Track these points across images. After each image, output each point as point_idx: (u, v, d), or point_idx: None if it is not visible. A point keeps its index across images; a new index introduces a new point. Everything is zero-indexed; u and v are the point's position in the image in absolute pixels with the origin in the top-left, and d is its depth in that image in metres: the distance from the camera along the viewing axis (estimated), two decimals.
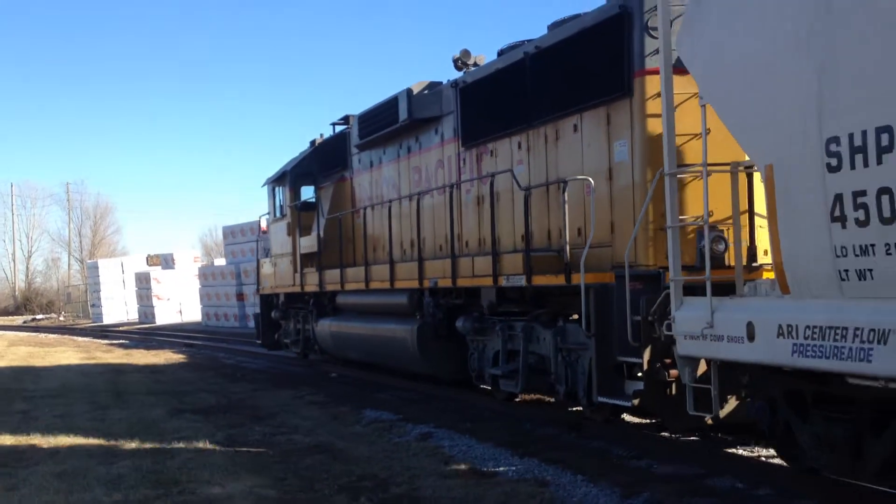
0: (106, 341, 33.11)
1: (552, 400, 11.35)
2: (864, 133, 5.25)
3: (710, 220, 7.37)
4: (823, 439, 6.44)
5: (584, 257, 9.20)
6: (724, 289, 7.30)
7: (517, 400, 11.85)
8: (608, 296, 8.97)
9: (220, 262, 41.85)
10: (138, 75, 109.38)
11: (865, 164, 5.27)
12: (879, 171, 5.18)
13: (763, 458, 8.22)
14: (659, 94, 8.15)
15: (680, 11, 7.90)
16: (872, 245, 5.31)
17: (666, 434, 9.43)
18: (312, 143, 18.61)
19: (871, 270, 5.37)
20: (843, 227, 5.49)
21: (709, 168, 7.22)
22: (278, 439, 10.15)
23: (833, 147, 5.49)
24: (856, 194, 5.36)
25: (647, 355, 8.35)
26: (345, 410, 12.07)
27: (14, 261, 77.56)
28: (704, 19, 6.78)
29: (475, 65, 12.91)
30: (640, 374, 8.55)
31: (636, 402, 8.71)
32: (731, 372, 7.32)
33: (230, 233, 38.05)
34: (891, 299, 5.28)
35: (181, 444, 9.84)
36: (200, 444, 9.84)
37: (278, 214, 19.19)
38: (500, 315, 11.42)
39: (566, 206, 9.77)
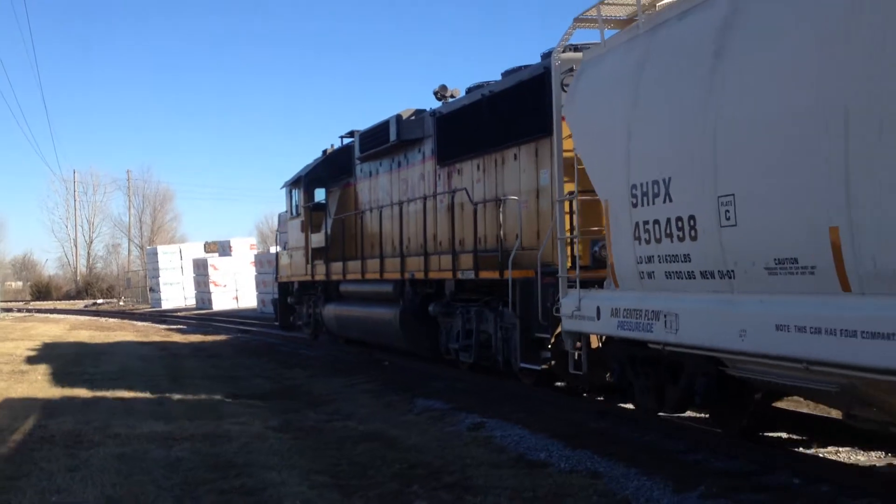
0: (164, 326, 33.48)
1: (605, 394, 11.84)
2: (646, 184, 8.11)
3: None
4: (644, 388, 9.30)
5: (511, 258, 12.07)
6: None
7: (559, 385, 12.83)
8: (530, 287, 11.80)
9: (276, 249, 42.10)
10: (195, 66, 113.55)
11: (647, 204, 8.12)
12: (653, 208, 8.04)
13: (821, 455, 8.22)
14: (570, 136, 10.98)
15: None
16: (652, 256, 8.17)
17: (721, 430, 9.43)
18: (324, 152, 21.54)
19: (653, 272, 8.23)
20: (640, 243, 8.34)
21: (579, 196, 10.08)
22: (333, 426, 10.38)
23: (634, 191, 8.34)
24: (644, 223, 8.22)
25: (556, 332, 11.20)
26: (397, 399, 12.43)
27: (76, 246, 79.48)
28: (576, 96, 9.66)
29: (451, 96, 15.80)
30: (549, 346, 11.41)
31: (546, 366, 11.58)
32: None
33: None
34: (663, 292, 8.14)
35: (238, 429, 10.03)
36: (257, 429, 10.05)
37: (294, 213, 22.12)
38: (461, 301, 14.32)
39: (501, 218, 12.71)
